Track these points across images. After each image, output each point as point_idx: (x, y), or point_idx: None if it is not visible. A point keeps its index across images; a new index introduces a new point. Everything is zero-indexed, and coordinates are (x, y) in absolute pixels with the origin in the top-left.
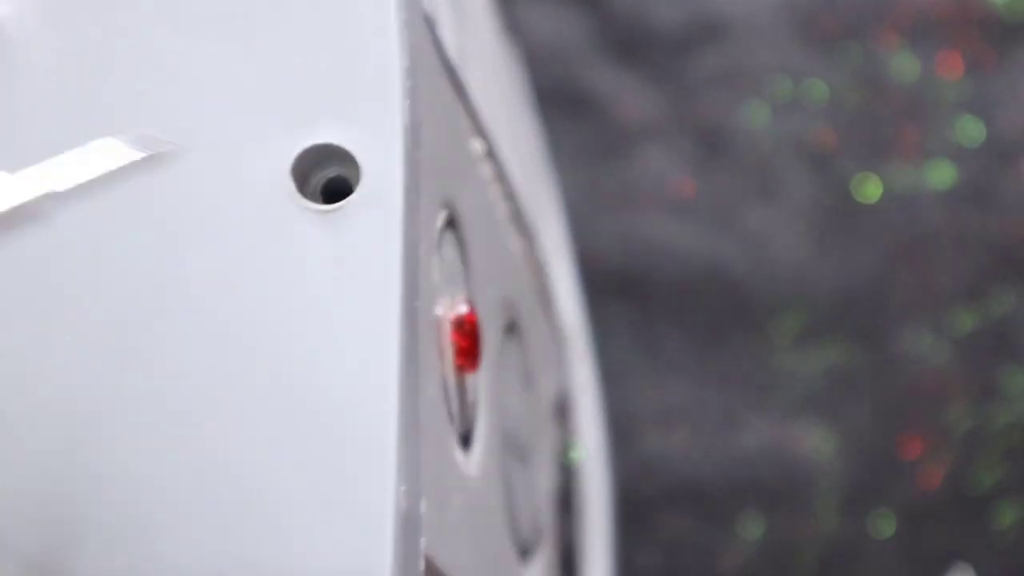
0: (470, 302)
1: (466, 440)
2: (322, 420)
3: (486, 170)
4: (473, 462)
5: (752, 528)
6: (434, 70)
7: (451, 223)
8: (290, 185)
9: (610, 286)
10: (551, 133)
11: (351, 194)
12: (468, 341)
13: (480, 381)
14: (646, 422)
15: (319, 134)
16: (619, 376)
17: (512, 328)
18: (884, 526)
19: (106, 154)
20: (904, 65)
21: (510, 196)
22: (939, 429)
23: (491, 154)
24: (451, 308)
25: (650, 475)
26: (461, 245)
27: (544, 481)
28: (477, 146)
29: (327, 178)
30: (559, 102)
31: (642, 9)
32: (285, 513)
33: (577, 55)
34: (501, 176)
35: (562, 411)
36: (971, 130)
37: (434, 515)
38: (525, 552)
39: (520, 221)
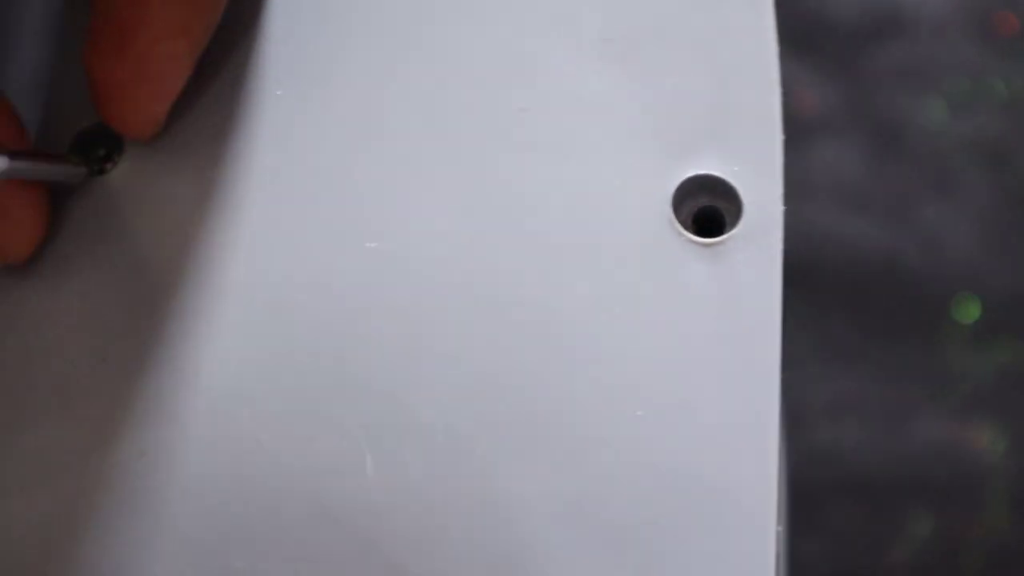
0: None
1: None
2: (705, 454)
3: None
4: None
5: (921, 524)
6: None
7: None
8: (669, 212)
9: (784, 276)
10: None
11: (722, 225)
12: None
13: None
14: (817, 412)
15: (701, 164)
16: (791, 365)
17: None
18: None
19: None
20: None
21: None
22: None
23: None
24: None
25: (819, 465)
26: None
27: None
28: None
29: (697, 208)
30: None
31: (820, 2)
32: (665, 553)
33: None
34: None
35: None
36: None
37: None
38: None
39: None
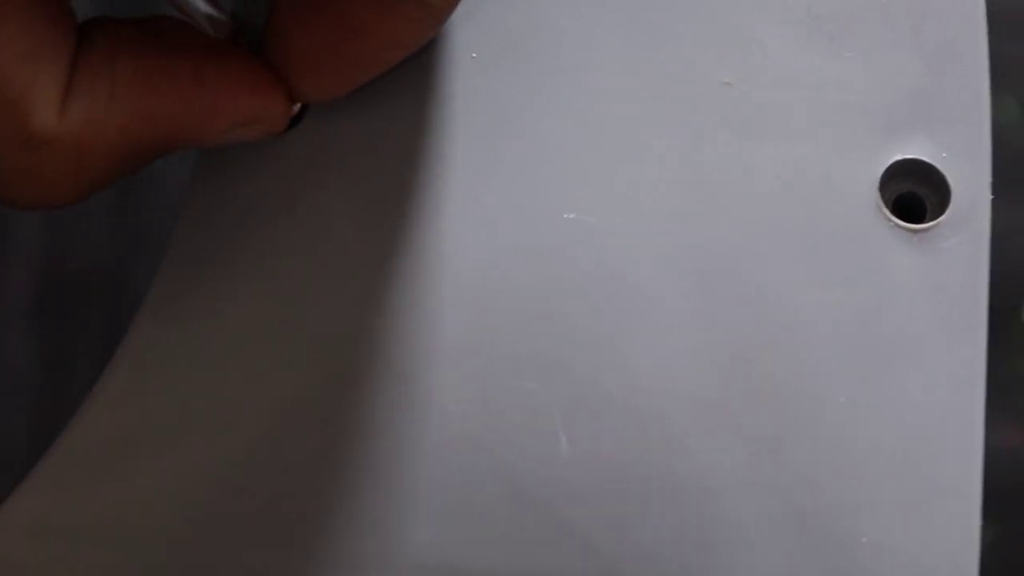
0: None
1: None
2: (905, 449)
3: None
4: None
5: (984, 532)
6: None
7: None
8: (876, 196)
9: None
10: None
11: (923, 211)
12: None
13: None
14: None
15: (907, 148)
16: None
17: None
18: None
19: None
20: None
21: None
22: None
23: None
24: None
25: None
26: None
27: None
28: None
29: (900, 192)
30: None
31: None
32: (867, 543)
33: None
34: None
35: None
36: None
37: None
38: None
39: None
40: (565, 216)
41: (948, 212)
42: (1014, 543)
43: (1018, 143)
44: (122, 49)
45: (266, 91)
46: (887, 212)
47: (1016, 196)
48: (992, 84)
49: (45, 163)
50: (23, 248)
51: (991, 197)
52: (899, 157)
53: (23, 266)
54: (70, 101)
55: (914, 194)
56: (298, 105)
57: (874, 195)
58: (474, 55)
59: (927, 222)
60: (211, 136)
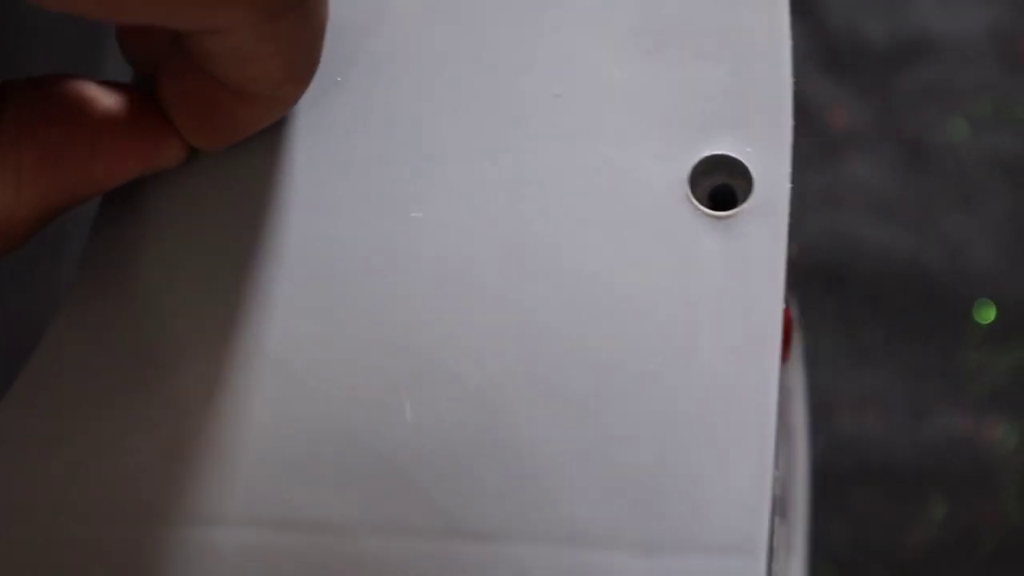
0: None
1: None
2: (710, 401)
3: None
4: None
5: (937, 510)
6: None
7: None
8: (687, 188)
9: (815, 278)
10: None
11: (735, 201)
12: (786, 334)
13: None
14: (842, 405)
15: (715, 145)
16: (819, 361)
17: None
18: None
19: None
20: None
21: None
22: None
23: None
24: None
25: (844, 454)
26: None
27: None
28: None
29: (713, 185)
30: None
31: (854, 24)
32: (673, 489)
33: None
34: None
35: None
36: None
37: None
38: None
39: None
40: (412, 215)
41: (750, 200)
42: (966, 517)
43: (968, 159)
44: (24, 131)
45: (163, 139)
46: (695, 202)
47: (966, 207)
48: (944, 107)
49: None
50: (76, 252)
51: (790, 186)
52: (708, 153)
53: (74, 271)
54: None
55: (727, 185)
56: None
57: (685, 188)
58: (338, 79)
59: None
60: (115, 184)
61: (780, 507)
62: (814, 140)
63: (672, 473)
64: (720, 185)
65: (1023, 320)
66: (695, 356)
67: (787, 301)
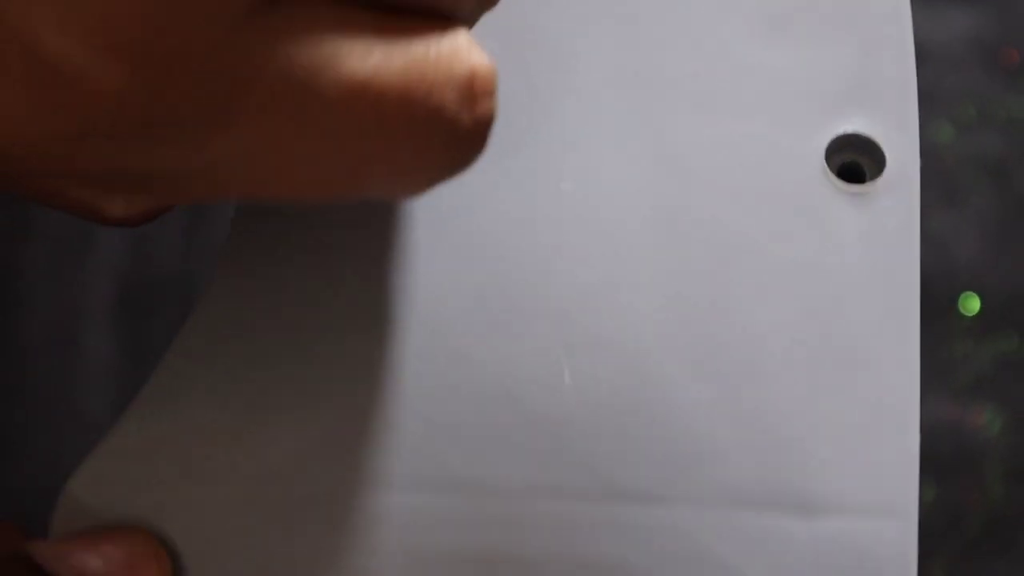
0: None
1: None
2: (854, 378)
3: None
4: None
5: (926, 491)
6: None
7: None
8: (823, 164)
9: None
10: None
11: (864, 177)
12: None
13: None
14: None
15: (850, 123)
16: None
17: None
18: None
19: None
20: None
21: None
22: None
23: None
24: None
25: None
26: None
27: None
28: None
29: (843, 161)
30: None
31: None
32: (825, 454)
33: None
34: None
35: None
36: None
37: None
38: None
39: None
40: (561, 186)
41: (883, 176)
42: (952, 502)
43: (952, 160)
44: None
45: None
46: (832, 177)
47: (952, 205)
48: (929, 110)
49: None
50: (108, 259)
51: (919, 163)
52: (841, 131)
53: (108, 274)
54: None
55: (856, 162)
56: None
57: (821, 163)
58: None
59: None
60: None
61: None
62: None
63: (822, 438)
64: (850, 162)
65: (1006, 312)
66: (839, 325)
67: None
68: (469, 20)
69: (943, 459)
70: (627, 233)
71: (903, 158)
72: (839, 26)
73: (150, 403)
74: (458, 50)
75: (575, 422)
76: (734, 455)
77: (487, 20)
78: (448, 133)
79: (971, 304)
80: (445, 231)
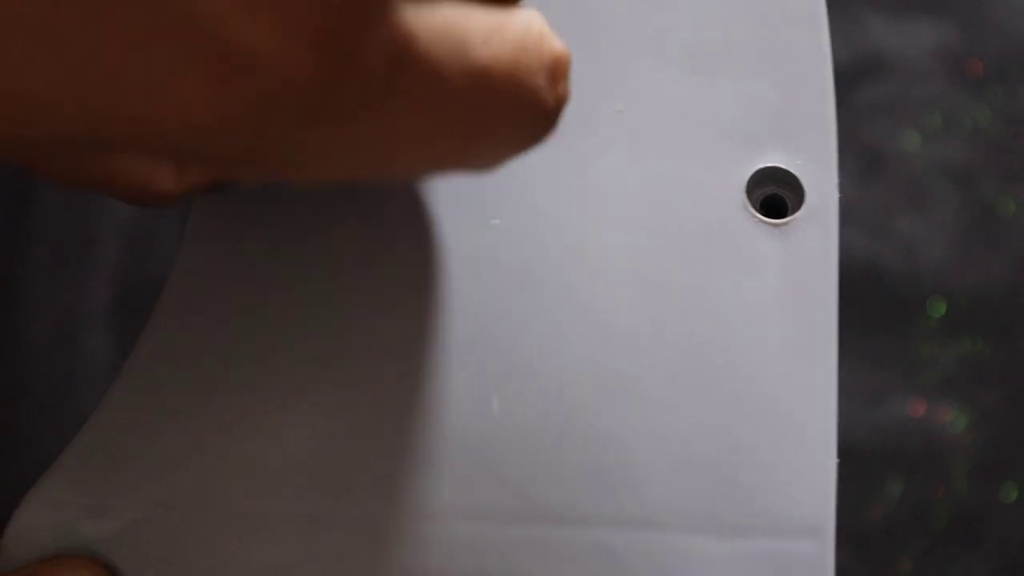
0: None
1: None
2: (773, 402)
3: None
4: None
5: (894, 487)
6: None
7: None
8: (743, 198)
9: None
10: None
11: (785, 210)
12: None
13: None
14: None
15: (768, 158)
16: None
17: None
18: (1009, 494)
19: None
20: None
21: None
22: None
23: None
24: None
25: None
26: None
27: None
28: None
29: (765, 195)
30: None
31: None
32: (744, 477)
33: None
34: None
35: None
36: None
37: None
38: None
39: None
40: (491, 222)
41: (803, 208)
42: (919, 495)
43: (920, 167)
44: None
45: None
46: (752, 210)
47: (919, 210)
48: (897, 120)
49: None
50: (105, 260)
51: (839, 196)
52: (761, 165)
53: (106, 275)
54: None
55: (777, 195)
56: None
57: (742, 197)
58: None
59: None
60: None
61: None
62: None
63: (742, 462)
64: (771, 195)
65: (970, 314)
66: (759, 353)
67: None
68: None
69: (911, 456)
70: (553, 267)
71: (822, 191)
72: (760, 64)
73: (100, 427)
74: (544, 33)
75: (503, 447)
76: (655, 477)
77: None
78: (540, 112)
79: (937, 306)
80: (376, 262)
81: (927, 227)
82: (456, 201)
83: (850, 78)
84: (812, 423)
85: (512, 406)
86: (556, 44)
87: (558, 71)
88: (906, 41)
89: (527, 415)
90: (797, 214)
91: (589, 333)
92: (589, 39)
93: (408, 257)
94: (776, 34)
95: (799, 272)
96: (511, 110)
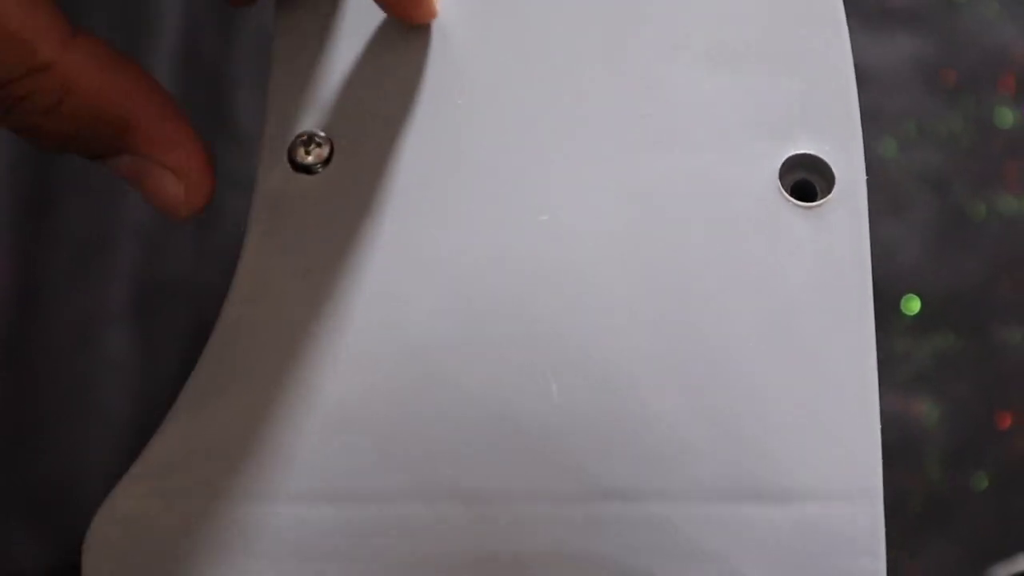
0: None
1: None
2: (816, 372)
3: None
4: None
5: None
6: None
7: None
8: (777, 184)
9: None
10: None
11: (815, 195)
12: None
13: None
14: None
15: (800, 145)
16: None
17: None
18: (980, 482)
19: None
20: (1005, 114)
21: None
22: None
23: None
24: None
25: None
26: None
27: None
28: None
29: (795, 180)
30: None
31: None
32: (791, 448)
33: None
34: None
35: None
36: None
37: None
38: None
39: None
40: (540, 219)
41: (833, 192)
42: (895, 484)
43: (896, 173)
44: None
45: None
46: (786, 195)
47: (896, 214)
48: (875, 128)
49: (38, 87)
50: (123, 261)
51: (866, 178)
52: (793, 152)
53: (124, 277)
54: (77, 38)
55: (807, 181)
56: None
57: (775, 183)
58: (459, 102)
59: (818, 201)
60: None
61: None
62: None
63: (788, 433)
64: (800, 180)
65: (943, 312)
66: (799, 328)
67: None
68: None
69: (887, 446)
70: (600, 262)
71: (850, 176)
72: (784, 59)
73: (176, 425)
74: None
75: (564, 432)
76: (704, 453)
77: (447, 65)
78: None
79: (912, 304)
80: (432, 267)
81: (903, 230)
82: (505, 199)
83: None
84: (854, 390)
85: (569, 393)
86: None
87: None
88: (883, 52)
89: (582, 400)
90: (829, 197)
91: (638, 324)
92: (616, 42)
93: (440, 254)
94: (798, 30)
95: (833, 251)
96: None
